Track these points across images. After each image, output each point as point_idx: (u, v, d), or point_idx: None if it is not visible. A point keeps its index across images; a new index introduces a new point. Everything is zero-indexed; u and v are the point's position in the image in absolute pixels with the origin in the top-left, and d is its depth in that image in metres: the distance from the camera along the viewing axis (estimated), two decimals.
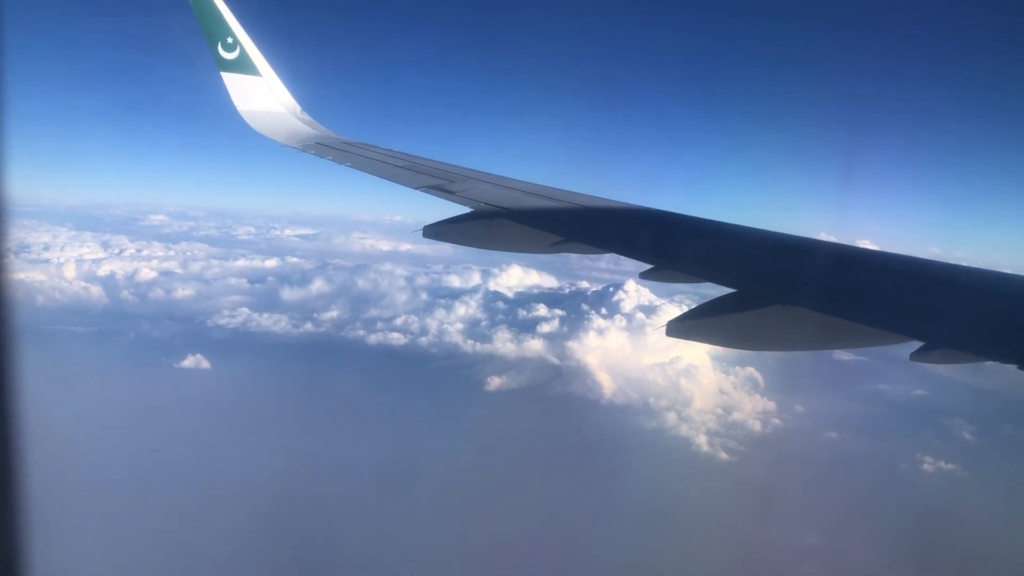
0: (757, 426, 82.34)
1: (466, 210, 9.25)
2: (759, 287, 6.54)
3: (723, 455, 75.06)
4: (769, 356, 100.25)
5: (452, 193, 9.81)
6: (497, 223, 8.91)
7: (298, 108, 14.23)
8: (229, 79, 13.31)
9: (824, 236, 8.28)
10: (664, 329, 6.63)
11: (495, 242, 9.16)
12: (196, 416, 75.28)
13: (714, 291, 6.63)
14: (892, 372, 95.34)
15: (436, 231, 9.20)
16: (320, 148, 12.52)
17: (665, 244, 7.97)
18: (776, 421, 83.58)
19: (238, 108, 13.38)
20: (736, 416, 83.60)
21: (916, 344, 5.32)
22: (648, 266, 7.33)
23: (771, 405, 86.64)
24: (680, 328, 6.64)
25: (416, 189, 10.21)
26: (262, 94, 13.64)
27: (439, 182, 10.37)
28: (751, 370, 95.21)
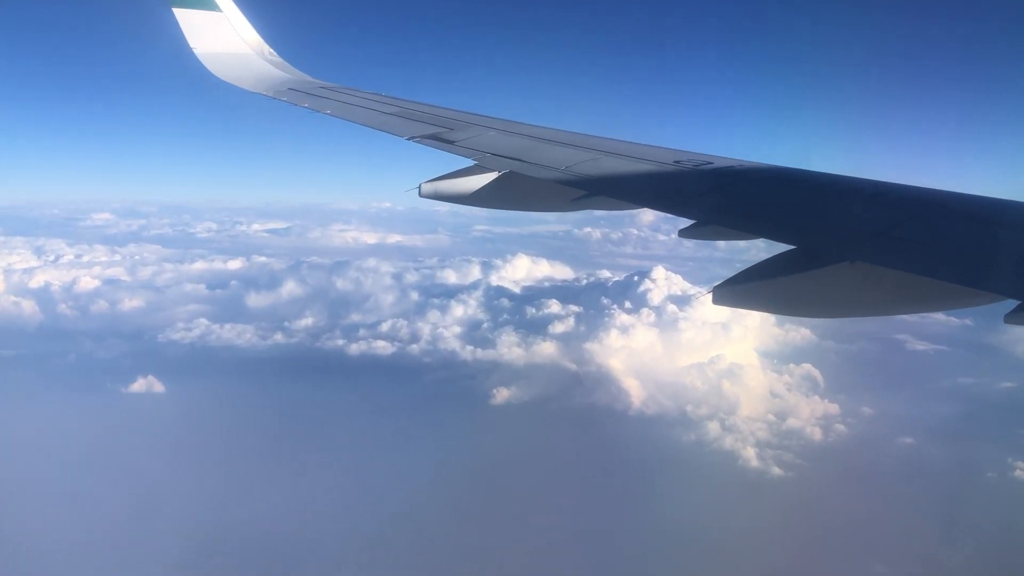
0: (817, 434, 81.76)
1: (469, 163, 9.20)
2: (822, 242, 6.48)
3: (776, 470, 74.55)
4: (831, 351, 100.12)
5: (452, 143, 9.77)
6: (507, 176, 8.87)
7: (266, 48, 14.16)
8: (183, 16, 13.18)
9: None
10: (710, 297, 6.53)
11: (505, 199, 9.14)
12: (149, 449, 75.06)
13: (764, 253, 6.59)
14: (975, 362, 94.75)
15: (435, 188, 9.10)
16: (294, 94, 12.38)
17: (710, 193, 7.83)
18: (840, 427, 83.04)
19: (195, 50, 13.18)
20: (791, 423, 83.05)
21: (1009, 304, 5.28)
22: (687, 222, 7.20)
23: (833, 408, 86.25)
24: (729, 294, 6.53)
25: (408, 140, 10.14)
26: (223, 32, 13.61)
27: (436, 130, 10.31)
28: (808, 367, 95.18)
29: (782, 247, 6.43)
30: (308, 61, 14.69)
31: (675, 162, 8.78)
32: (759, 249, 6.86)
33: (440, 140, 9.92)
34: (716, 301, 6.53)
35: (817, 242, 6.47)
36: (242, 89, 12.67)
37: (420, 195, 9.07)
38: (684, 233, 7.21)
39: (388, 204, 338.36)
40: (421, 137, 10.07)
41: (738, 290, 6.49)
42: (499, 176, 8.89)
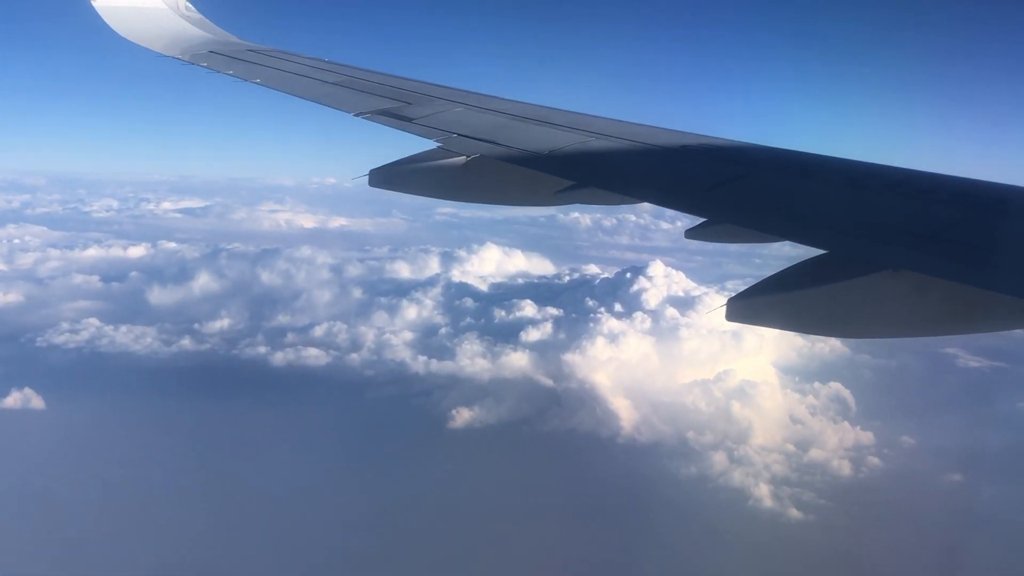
0: (846, 468, 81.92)
1: (431, 144, 9.25)
2: (859, 246, 6.51)
3: (794, 513, 74.40)
4: (865, 366, 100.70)
5: (410, 120, 9.84)
6: (476, 162, 8.89)
7: (182, 2, 14.21)
8: None
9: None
10: (724, 311, 6.58)
11: (474, 190, 9.24)
12: (24, 477, 74.30)
13: (783, 260, 6.66)
14: None
15: (387, 176, 9.23)
16: (216, 59, 12.43)
17: (722, 186, 7.85)
18: (874, 460, 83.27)
19: (93, 1, 13.13)
20: (815, 455, 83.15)
21: None
22: (696, 220, 7.35)
23: (867, 437, 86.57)
24: (746, 308, 6.58)
25: (357, 115, 10.18)
26: None
27: (391, 104, 10.39)
28: (837, 387, 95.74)
29: (810, 251, 6.49)
30: (234, 19, 14.55)
31: (680, 147, 8.87)
32: (781, 251, 7.01)
33: (395, 116, 9.97)
34: (730, 317, 6.55)
35: (853, 246, 6.52)
36: (152, 51, 12.64)
37: (370, 184, 9.22)
38: (692, 234, 7.39)
39: (333, 180, 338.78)
40: (372, 113, 10.13)
41: (757, 304, 6.54)
42: (467, 161, 8.89)
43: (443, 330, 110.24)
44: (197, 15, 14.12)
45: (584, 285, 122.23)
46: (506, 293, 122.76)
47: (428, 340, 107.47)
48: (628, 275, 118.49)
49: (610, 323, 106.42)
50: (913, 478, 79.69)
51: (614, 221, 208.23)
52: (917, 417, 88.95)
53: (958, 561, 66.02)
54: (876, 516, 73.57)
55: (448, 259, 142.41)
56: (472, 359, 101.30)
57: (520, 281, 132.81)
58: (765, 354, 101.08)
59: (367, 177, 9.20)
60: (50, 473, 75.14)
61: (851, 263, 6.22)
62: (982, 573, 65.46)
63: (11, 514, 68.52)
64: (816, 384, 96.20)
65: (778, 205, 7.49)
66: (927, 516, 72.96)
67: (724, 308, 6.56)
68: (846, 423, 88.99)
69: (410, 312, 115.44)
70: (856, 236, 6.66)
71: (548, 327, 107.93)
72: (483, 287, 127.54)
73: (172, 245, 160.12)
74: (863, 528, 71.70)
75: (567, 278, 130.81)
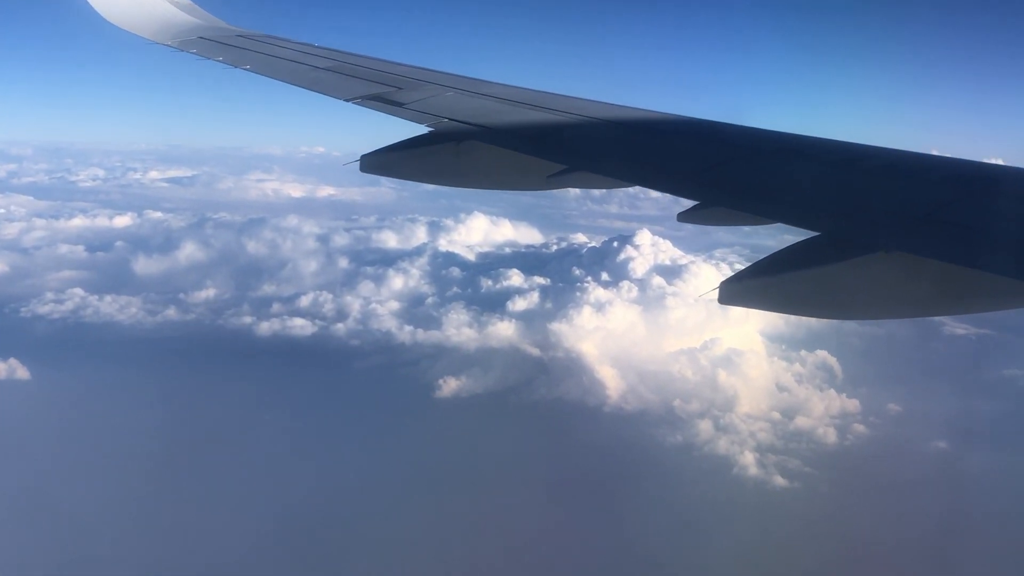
0: (831, 436, 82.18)
1: (422, 129, 9.26)
2: (852, 228, 6.52)
3: (779, 480, 74.66)
4: (852, 334, 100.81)
5: (401, 105, 9.86)
6: (468, 147, 8.91)
7: None
8: None
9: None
10: (716, 294, 6.61)
11: (464, 175, 9.37)
12: (8, 447, 74.22)
13: (773, 241, 6.78)
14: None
15: (378, 162, 9.28)
16: (205, 45, 12.44)
17: (715, 168, 7.93)
18: (859, 428, 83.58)
19: None
20: (800, 422, 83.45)
21: None
22: (689, 203, 7.35)
23: (852, 405, 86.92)
24: (739, 291, 6.63)
25: (348, 101, 10.22)
26: None
27: (381, 89, 10.41)
28: (823, 355, 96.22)
29: (803, 233, 6.51)
30: (222, 4, 14.39)
31: (672, 130, 9.05)
32: (774, 231, 7.11)
33: (386, 102, 9.98)
34: (724, 300, 6.61)
35: (845, 228, 6.52)
36: (141, 37, 12.69)
37: (361, 170, 9.25)
38: (684, 217, 7.39)
39: (321, 150, 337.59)
40: (363, 98, 10.16)
41: (751, 286, 6.56)
42: (459, 146, 8.90)
43: (429, 300, 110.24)
44: (186, 0, 14.14)
45: (571, 254, 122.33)
46: (493, 262, 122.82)
47: (414, 310, 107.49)
48: (615, 244, 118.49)
49: (597, 292, 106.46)
50: (899, 445, 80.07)
51: (603, 191, 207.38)
52: (903, 384, 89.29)
53: (943, 527, 66.12)
54: (861, 483, 74.08)
55: (435, 229, 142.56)
56: (459, 329, 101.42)
57: (507, 250, 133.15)
58: (752, 323, 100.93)
59: (358, 162, 9.24)
60: (34, 441, 75.23)
61: (844, 245, 6.24)
62: (968, 539, 65.30)
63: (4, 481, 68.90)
64: (803, 352, 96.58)
65: (770, 187, 7.49)
66: (912, 483, 73.06)
67: (717, 291, 6.60)
68: (832, 391, 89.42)
69: (396, 282, 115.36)
70: (848, 218, 6.68)
71: (535, 296, 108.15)
72: (470, 256, 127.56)
73: (158, 215, 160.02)
74: (848, 495, 72.16)
75: (555, 247, 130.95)
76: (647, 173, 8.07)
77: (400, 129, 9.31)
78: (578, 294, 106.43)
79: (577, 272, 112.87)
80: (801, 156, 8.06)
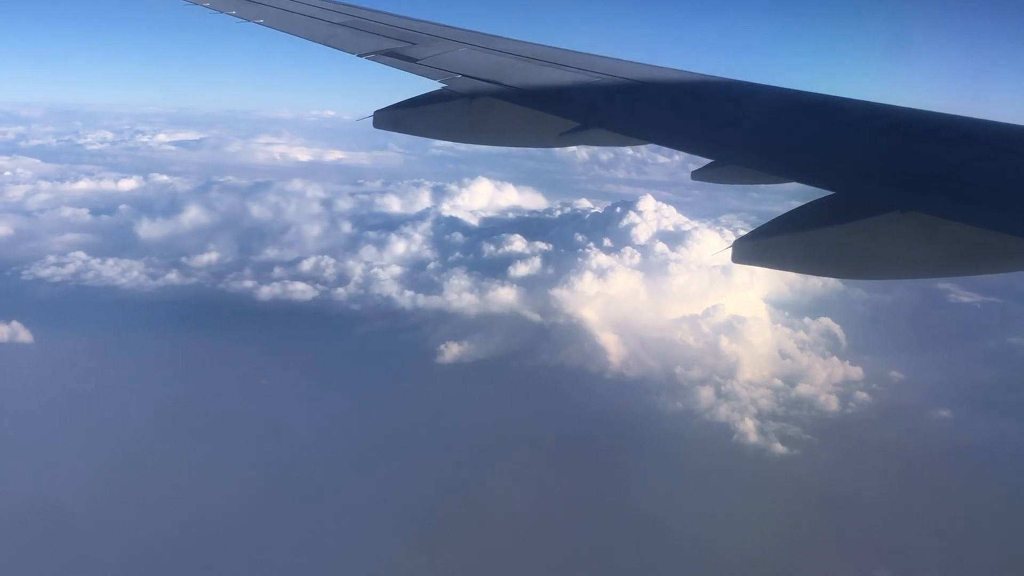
0: (832, 403, 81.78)
1: (436, 85, 9.32)
2: (867, 187, 6.58)
3: (778, 447, 74.28)
4: (857, 301, 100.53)
5: (415, 61, 9.92)
6: (482, 103, 8.94)
7: None
8: None
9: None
10: (730, 253, 6.68)
11: (479, 131, 9.35)
12: (9, 413, 74.13)
13: (780, 207, 6.77)
14: None
15: (391, 118, 9.29)
16: None
17: (730, 126, 8.09)
18: (862, 395, 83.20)
19: None
20: (802, 390, 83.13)
21: None
22: (703, 161, 7.44)
23: (856, 372, 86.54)
24: (754, 250, 6.71)
25: (361, 56, 10.25)
26: None
27: (395, 44, 10.45)
28: (827, 322, 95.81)
29: (814, 189, 6.54)
30: None
31: (687, 87, 9.11)
32: (780, 187, 7.21)
33: (399, 57, 10.04)
34: (737, 258, 6.66)
35: (861, 187, 6.58)
36: None
37: (374, 125, 9.24)
38: (699, 175, 7.56)
39: (332, 113, 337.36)
40: (376, 53, 10.20)
41: (765, 245, 6.66)
42: (472, 102, 8.93)
43: (431, 265, 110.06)
44: None
45: (575, 220, 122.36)
46: (496, 227, 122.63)
47: (416, 275, 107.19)
48: (618, 210, 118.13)
49: (599, 258, 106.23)
50: (901, 413, 79.73)
51: (611, 155, 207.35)
52: (907, 352, 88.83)
53: (944, 496, 65.93)
54: (862, 451, 73.66)
55: (439, 193, 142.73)
56: (460, 294, 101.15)
57: (511, 215, 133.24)
58: (755, 289, 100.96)
59: (371, 118, 9.22)
60: (38, 406, 74.97)
61: (859, 204, 6.27)
62: (968, 508, 64.96)
63: (3, 446, 68.70)
64: (807, 319, 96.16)
65: (785, 145, 7.55)
66: (914, 451, 72.97)
67: (730, 249, 6.66)
68: (835, 358, 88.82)
69: (399, 246, 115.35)
70: (864, 176, 6.72)
71: (537, 262, 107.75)
72: (473, 221, 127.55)
73: (164, 178, 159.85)
74: (848, 463, 71.71)
75: (558, 212, 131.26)
76: (662, 130, 8.17)
77: (411, 89, 9.34)
78: (580, 260, 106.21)
79: (580, 238, 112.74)
80: (817, 114, 8.09)
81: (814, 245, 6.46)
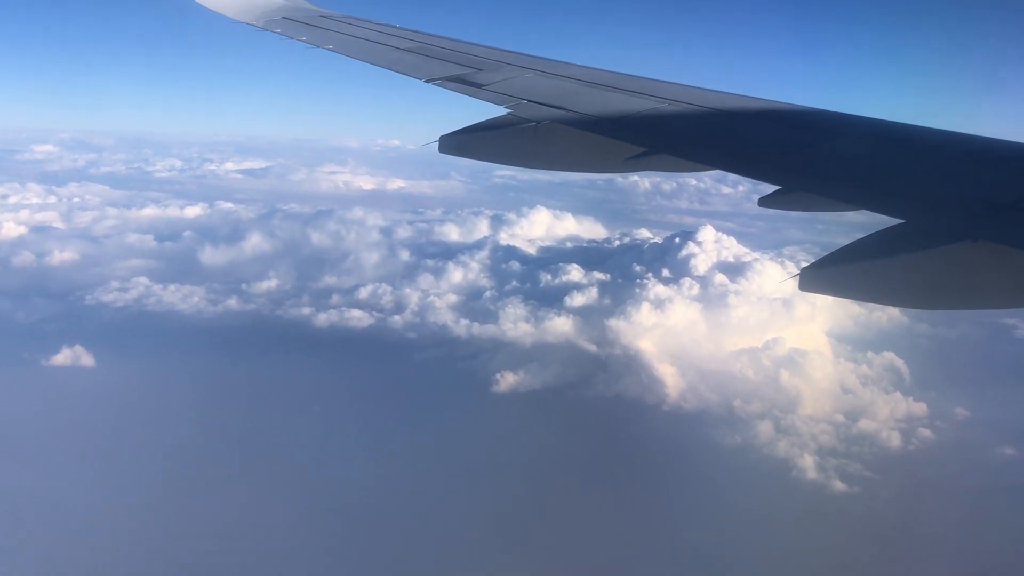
0: (895, 440, 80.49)
1: (501, 111, 9.39)
2: (938, 216, 6.54)
3: (838, 484, 73.10)
4: (921, 336, 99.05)
5: (480, 86, 10.03)
6: (547, 128, 8.99)
7: None
8: None
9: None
10: (796, 282, 6.70)
11: (544, 157, 9.45)
12: (71, 435, 75.08)
13: (845, 239, 6.70)
14: None
15: (457, 143, 9.39)
16: (289, 25, 12.80)
17: (798, 153, 8.04)
18: (925, 432, 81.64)
19: None
20: (864, 425, 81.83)
21: None
22: (768, 191, 7.44)
23: (919, 408, 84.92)
24: (821, 278, 6.70)
25: (427, 82, 10.40)
26: None
27: (461, 71, 10.57)
28: (890, 356, 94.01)
29: (878, 219, 6.51)
30: None
31: (753, 113, 9.08)
32: (844, 218, 7.28)
33: (466, 83, 10.18)
34: (804, 287, 6.66)
35: (931, 216, 6.51)
36: (226, 17, 12.99)
37: (440, 150, 9.39)
38: (766, 202, 7.49)
39: (396, 142, 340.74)
40: (443, 79, 10.35)
41: (832, 274, 6.63)
42: (538, 127, 8.98)
43: (488, 293, 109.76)
44: None
45: (633, 250, 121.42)
46: (554, 257, 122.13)
47: (472, 303, 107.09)
48: (677, 240, 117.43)
49: (657, 289, 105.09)
50: (965, 450, 78.23)
51: (674, 185, 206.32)
52: (972, 388, 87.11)
53: (1008, 536, 64.84)
54: (922, 489, 72.39)
55: (497, 222, 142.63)
56: (516, 323, 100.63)
57: (569, 245, 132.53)
58: (817, 322, 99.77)
59: (436, 143, 9.33)
60: (99, 430, 75.88)
61: (929, 233, 6.22)
62: None
63: (67, 466, 70.00)
64: (869, 353, 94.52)
65: (854, 173, 7.51)
66: (978, 489, 71.61)
67: (796, 279, 6.66)
68: (899, 393, 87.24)
69: (456, 275, 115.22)
70: (934, 205, 6.69)
71: (594, 292, 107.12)
72: (531, 250, 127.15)
73: (229, 205, 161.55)
74: (909, 501, 70.37)
75: (617, 242, 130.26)
76: (728, 157, 8.11)
77: (476, 116, 9.38)
78: (638, 290, 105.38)
79: (638, 268, 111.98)
80: (886, 141, 8.06)
81: (883, 274, 6.43)
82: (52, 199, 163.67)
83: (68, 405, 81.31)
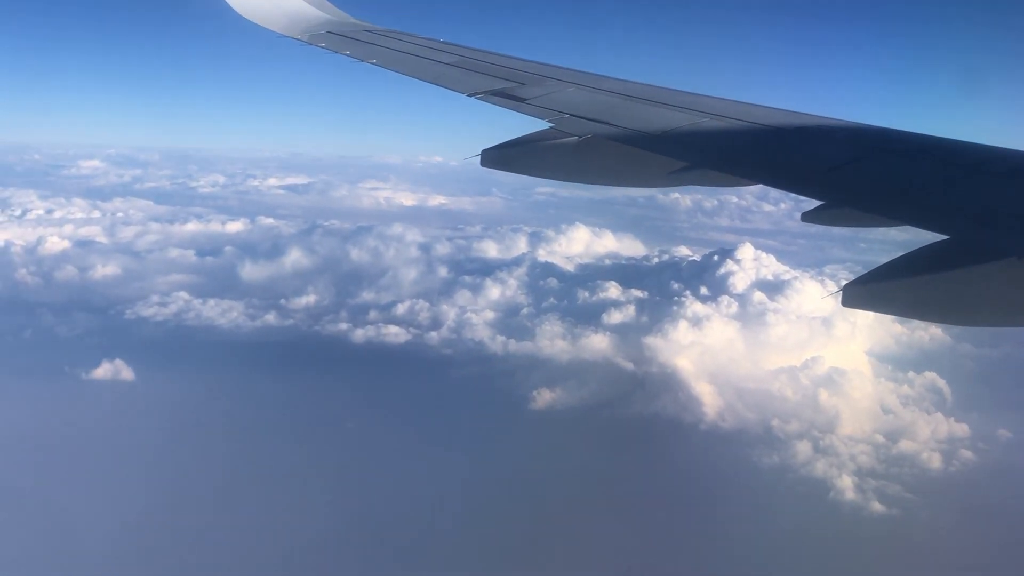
0: (935, 461, 79.49)
1: (544, 125, 9.44)
2: (983, 232, 6.53)
3: (877, 506, 72.27)
4: (965, 356, 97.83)
5: (523, 101, 10.04)
6: (590, 142, 9.05)
7: None
8: None
9: None
10: (839, 299, 6.71)
11: (586, 171, 9.50)
12: (111, 448, 75.64)
13: (887, 257, 6.72)
14: None
15: (499, 156, 9.45)
16: (334, 39, 12.90)
17: (841, 168, 7.93)
18: (967, 454, 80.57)
19: None
20: (904, 446, 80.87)
21: None
22: (807, 204, 7.54)
23: (961, 429, 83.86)
24: (865, 294, 6.70)
25: (470, 96, 10.43)
26: None
27: (504, 84, 10.60)
28: (932, 376, 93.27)
29: (921, 236, 6.49)
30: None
31: (796, 128, 9.01)
32: (887, 236, 7.48)
33: (508, 97, 10.18)
34: (847, 303, 6.65)
35: (976, 232, 6.52)
36: (272, 31, 13.08)
37: (482, 164, 9.44)
38: (809, 217, 7.57)
39: (439, 159, 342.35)
40: (485, 93, 10.37)
41: (875, 290, 6.64)
42: (580, 142, 9.06)
43: (525, 310, 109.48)
44: None
45: (672, 267, 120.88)
46: (592, 274, 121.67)
47: (509, 320, 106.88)
48: (716, 258, 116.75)
49: (695, 307, 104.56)
50: (1007, 473, 77.04)
51: (715, 203, 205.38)
52: (1016, 410, 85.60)
53: None
54: (964, 512, 71.35)
55: (536, 239, 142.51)
56: (552, 340, 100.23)
57: (607, 262, 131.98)
58: (857, 341, 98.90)
59: (478, 157, 9.39)
60: (138, 443, 76.40)
61: (974, 250, 6.20)
62: None
63: (107, 480, 70.29)
64: (911, 373, 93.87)
65: (898, 189, 7.47)
66: (1019, 512, 70.20)
67: (838, 296, 6.67)
68: (940, 414, 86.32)
69: (493, 291, 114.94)
70: (980, 222, 6.66)
71: (631, 309, 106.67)
72: (569, 268, 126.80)
73: (270, 221, 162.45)
74: (949, 524, 69.52)
75: (655, 260, 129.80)
76: (770, 171, 8.17)
77: (517, 130, 9.45)
78: (675, 308, 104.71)
79: (676, 286, 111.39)
80: (930, 157, 8.00)
81: (927, 290, 6.43)
82: (96, 214, 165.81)
83: (108, 418, 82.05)
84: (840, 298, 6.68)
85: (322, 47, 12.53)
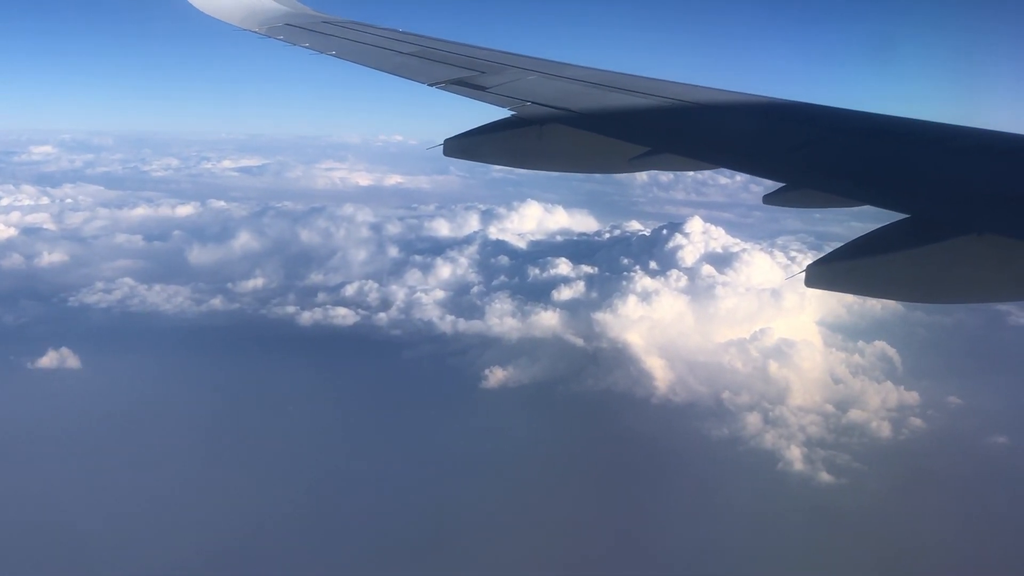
0: (885, 430, 80.00)
1: (505, 113, 9.52)
2: (942, 209, 6.66)
3: (825, 476, 72.68)
4: (916, 324, 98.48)
5: (484, 89, 10.15)
6: (551, 130, 9.11)
7: None
8: None
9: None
10: (803, 277, 6.70)
11: (549, 158, 9.61)
12: (58, 437, 75.18)
13: (840, 228, 6.79)
14: None
15: (462, 146, 9.50)
16: (291, 31, 12.97)
17: (801, 149, 8.09)
18: (916, 422, 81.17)
19: None
20: (854, 415, 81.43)
21: None
22: (764, 181, 7.55)
23: (912, 397, 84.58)
24: (828, 274, 6.72)
25: (431, 86, 10.52)
26: None
27: (464, 74, 10.70)
28: (882, 345, 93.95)
29: (885, 213, 6.58)
30: None
31: (756, 111, 9.22)
32: (842, 217, 7.26)
33: (469, 86, 10.29)
34: (810, 283, 6.68)
35: (936, 210, 6.66)
36: (229, 24, 13.18)
37: (444, 154, 9.49)
38: (771, 199, 7.55)
39: (399, 138, 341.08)
40: (446, 83, 10.46)
41: (838, 269, 6.68)
42: (542, 129, 9.11)
43: (475, 289, 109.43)
44: None
45: (622, 242, 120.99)
46: (543, 251, 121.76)
47: (459, 299, 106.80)
48: (665, 232, 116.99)
49: (644, 281, 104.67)
50: (956, 440, 77.91)
51: (671, 176, 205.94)
52: (966, 377, 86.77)
53: (999, 526, 64.48)
54: (912, 479, 71.59)
55: (488, 217, 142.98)
56: (503, 318, 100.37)
57: (559, 239, 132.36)
58: (807, 312, 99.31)
59: (440, 147, 9.43)
60: (86, 433, 75.90)
61: (934, 227, 6.30)
62: (1018, 536, 63.20)
63: (55, 468, 69.81)
64: (861, 343, 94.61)
65: (858, 169, 7.58)
66: (968, 479, 71.31)
67: (803, 274, 6.65)
68: (890, 383, 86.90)
69: (444, 271, 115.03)
70: (939, 199, 6.83)
71: (581, 285, 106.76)
72: (520, 245, 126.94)
73: (221, 204, 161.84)
74: (896, 492, 69.71)
75: (607, 235, 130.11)
76: (731, 154, 8.20)
77: (480, 116, 9.52)
78: (625, 283, 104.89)
79: (625, 261, 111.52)
80: (889, 136, 8.13)
81: (889, 269, 6.46)
82: (45, 200, 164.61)
83: (55, 407, 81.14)
84: (804, 279, 6.67)
85: (280, 39, 12.55)
